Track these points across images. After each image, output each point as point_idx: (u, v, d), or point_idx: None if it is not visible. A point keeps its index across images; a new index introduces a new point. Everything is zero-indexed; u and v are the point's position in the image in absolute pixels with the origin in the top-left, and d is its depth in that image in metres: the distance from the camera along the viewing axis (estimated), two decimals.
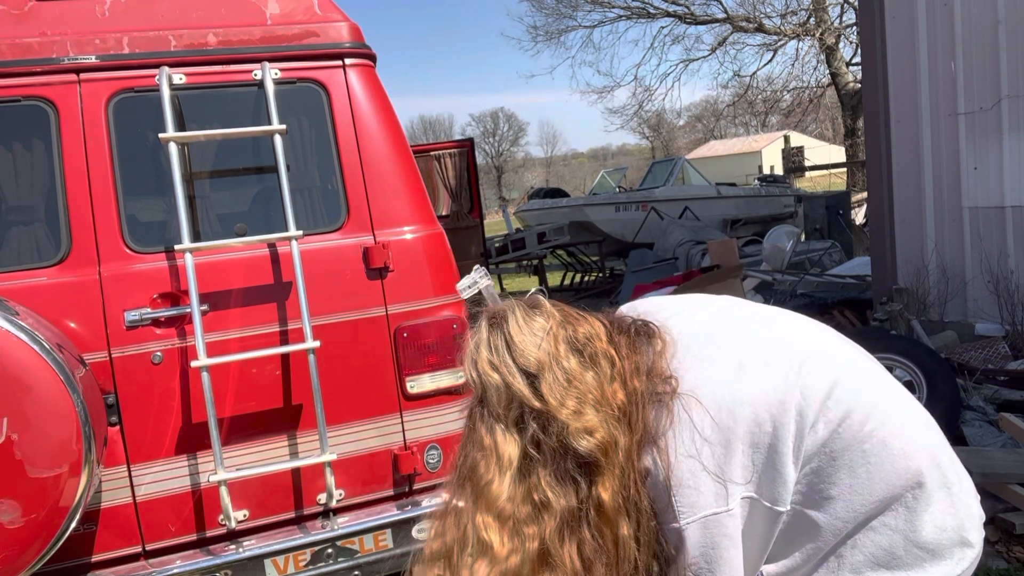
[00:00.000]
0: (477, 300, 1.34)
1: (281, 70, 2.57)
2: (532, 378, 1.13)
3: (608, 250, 13.77)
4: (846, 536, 1.14)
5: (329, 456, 2.43)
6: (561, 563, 1.06)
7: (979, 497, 1.21)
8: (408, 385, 2.59)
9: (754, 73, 26.17)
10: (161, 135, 2.37)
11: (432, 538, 1.17)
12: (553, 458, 1.10)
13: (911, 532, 1.13)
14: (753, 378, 1.15)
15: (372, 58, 2.72)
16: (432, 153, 9.07)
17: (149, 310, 2.37)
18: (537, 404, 1.11)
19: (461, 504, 1.14)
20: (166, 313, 2.39)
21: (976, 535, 1.17)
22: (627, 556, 1.08)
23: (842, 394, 1.14)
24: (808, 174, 25.89)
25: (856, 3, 14.83)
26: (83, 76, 2.42)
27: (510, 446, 1.11)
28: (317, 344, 2.39)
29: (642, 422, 1.13)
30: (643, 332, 1.22)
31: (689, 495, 1.10)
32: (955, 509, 1.15)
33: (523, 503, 1.09)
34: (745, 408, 1.12)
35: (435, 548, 1.15)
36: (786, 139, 29.85)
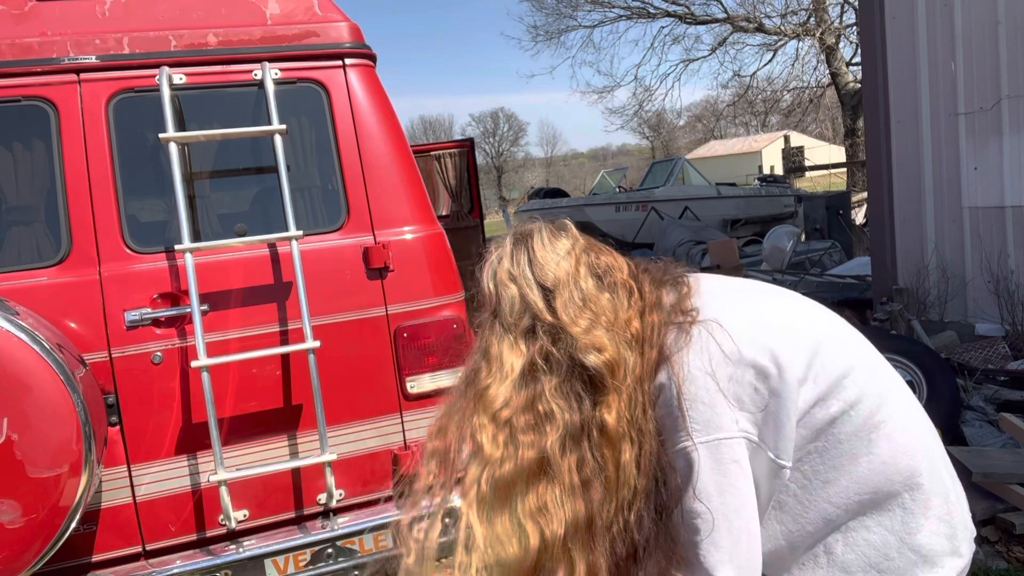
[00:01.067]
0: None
1: (281, 70, 2.57)
2: (548, 293, 1.16)
3: None
4: (833, 526, 1.14)
5: (329, 456, 2.43)
6: (559, 475, 1.07)
7: (971, 513, 1.23)
8: (408, 385, 2.59)
9: (754, 73, 26.19)
10: (161, 135, 2.37)
11: (432, 436, 1.20)
12: (560, 373, 1.11)
13: (906, 534, 1.13)
14: (774, 329, 1.16)
15: (372, 58, 2.72)
16: (432, 153, 9.07)
17: (149, 310, 2.37)
18: (549, 318, 1.14)
19: (462, 406, 1.16)
20: (166, 313, 2.39)
21: (967, 547, 1.17)
22: (626, 481, 1.07)
23: (858, 377, 1.15)
24: (808, 174, 25.89)
25: (856, 3, 14.83)
26: (83, 76, 2.42)
27: (515, 356, 1.13)
28: (317, 344, 2.39)
29: (656, 347, 1.14)
30: (670, 277, 1.24)
31: (703, 412, 1.09)
32: (950, 517, 1.16)
33: (524, 412, 1.10)
34: (762, 350, 1.12)
35: (434, 446, 1.19)
36: (786, 139, 29.86)
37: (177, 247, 2.34)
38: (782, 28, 23.57)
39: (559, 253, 1.18)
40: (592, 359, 1.10)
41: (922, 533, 1.14)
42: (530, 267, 1.18)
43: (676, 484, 1.08)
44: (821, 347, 1.15)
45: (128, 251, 2.40)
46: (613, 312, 1.15)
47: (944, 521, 1.15)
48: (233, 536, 2.45)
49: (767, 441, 1.11)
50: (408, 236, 2.61)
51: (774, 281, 7.55)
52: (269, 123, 2.49)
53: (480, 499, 1.09)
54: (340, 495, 2.52)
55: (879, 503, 1.14)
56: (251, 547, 2.43)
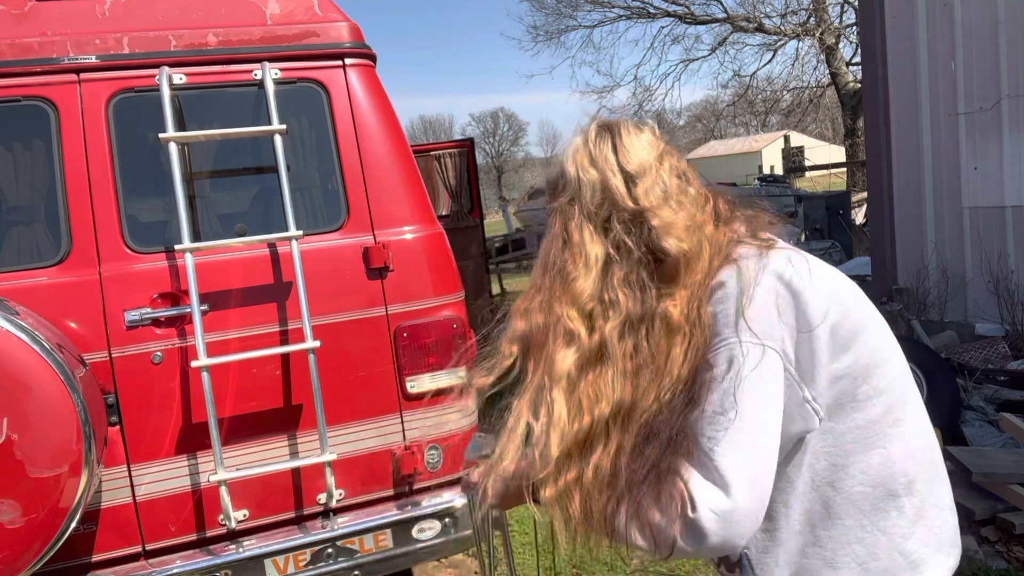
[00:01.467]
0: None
1: (281, 70, 2.57)
2: (631, 180, 1.17)
3: None
4: (830, 514, 1.14)
5: (329, 456, 2.43)
6: (614, 360, 1.10)
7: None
8: (408, 385, 2.59)
9: (754, 73, 26.18)
10: (161, 135, 2.36)
11: (518, 315, 1.21)
12: (631, 263, 1.14)
13: (899, 537, 1.14)
14: (841, 286, 1.17)
15: (372, 58, 2.72)
16: (432, 153, 9.06)
17: (149, 310, 2.37)
18: (631, 205, 1.16)
19: (548, 294, 1.17)
20: (166, 313, 2.38)
21: (953, 561, 1.19)
22: (670, 371, 1.08)
23: (889, 370, 1.16)
24: (808, 174, 25.89)
25: (856, 3, 14.82)
26: (83, 76, 2.42)
27: (596, 246, 1.15)
28: (317, 344, 2.39)
29: (725, 253, 1.15)
30: (745, 211, 1.24)
31: (761, 317, 1.08)
32: (941, 531, 1.18)
33: (596, 301, 1.13)
34: (828, 297, 1.12)
35: (519, 328, 1.20)
36: (786, 139, 29.85)
37: (177, 247, 2.34)
38: (782, 28, 23.57)
39: (643, 143, 1.20)
40: (673, 247, 1.12)
41: (913, 540, 1.15)
42: (614, 153, 1.19)
43: (709, 378, 1.07)
44: (869, 325, 1.16)
45: (128, 251, 2.40)
46: (692, 209, 1.17)
47: (935, 534, 1.17)
48: (233, 536, 2.45)
49: (805, 379, 1.10)
50: (408, 236, 2.61)
51: None
52: (269, 123, 2.49)
53: (569, 381, 1.11)
54: (340, 495, 2.52)
55: (879, 500, 1.14)
56: (251, 547, 2.43)
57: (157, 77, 2.43)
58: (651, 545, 1.06)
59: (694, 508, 1.02)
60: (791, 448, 1.13)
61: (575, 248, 1.17)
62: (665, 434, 1.06)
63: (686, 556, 1.08)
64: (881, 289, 6.21)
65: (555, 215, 1.22)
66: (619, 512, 1.08)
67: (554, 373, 1.11)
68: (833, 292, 1.14)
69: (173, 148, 2.37)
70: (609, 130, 1.22)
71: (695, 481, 1.03)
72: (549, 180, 1.27)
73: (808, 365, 1.10)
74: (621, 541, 1.10)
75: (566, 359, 1.11)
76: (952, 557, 1.19)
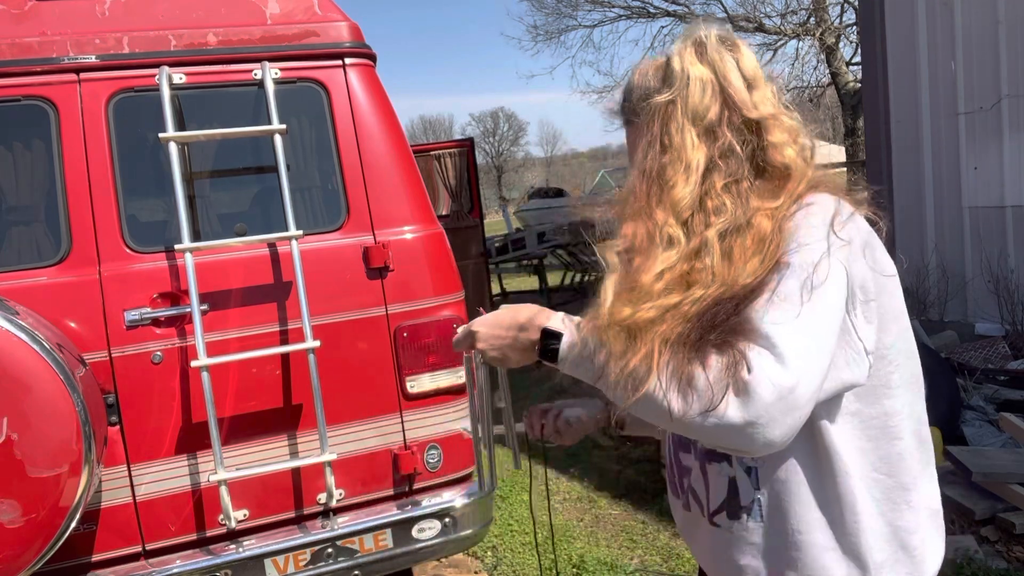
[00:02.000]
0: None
1: (281, 70, 2.57)
2: (750, 85, 1.14)
3: None
4: (842, 503, 1.12)
5: (329, 456, 2.43)
6: (708, 262, 1.06)
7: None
8: (408, 385, 2.59)
9: None
10: (161, 135, 2.36)
11: (620, 201, 1.15)
12: (735, 171, 1.11)
13: (904, 532, 1.15)
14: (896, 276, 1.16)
15: (372, 58, 2.72)
16: (432, 153, 9.06)
17: (149, 310, 2.37)
18: (752, 110, 1.12)
19: (644, 203, 1.12)
20: (166, 313, 2.39)
21: (941, 561, 1.20)
22: (752, 272, 1.04)
23: (917, 366, 1.18)
24: None
25: (856, 3, 14.82)
26: (83, 76, 2.42)
27: (699, 152, 1.11)
28: (317, 344, 2.39)
29: (814, 181, 1.13)
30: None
31: (850, 234, 1.07)
32: (939, 528, 1.19)
33: (697, 209, 1.10)
34: (889, 262, 1.14)
35: (624, 238, 1.12)
36: None
37: (177, 247, 2.34)
38: (782, 28, 23.57)
39: (754, 57, 1.17)
40: (786, 159, 1.11)
41: (917, 535, 1.15)
42: (731, 54, 1.15)
43: (783, 272, 1.03)
44: (906, 315, 1.17)
45: (128, 251, 2.40)
46: (800, 129, 1.15)
47: (937, 531, 1.19)
48: (233, 536, 2.46)
49: (861, 332, 1.08)
50: (408, 236, 2.61)
51: None
52: (269, 123, 2.49)
53: (666, 285, 1.05)
54: (340, 495, 2.52)
55: (891, 491, 1.14)
56: (251, 547, 2.43)
57: (157, 77, 2.43)
58: (694, 398, 0.96)
59: (749, 369, 0.95)
60: (818, 418, 1.09)
61: (675, 152, 1.11)
62: (724, 317, 1.02)
63: (716, 432, 0.97)
64: None
65: (652, 116, 1.15)
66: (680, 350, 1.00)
67: (648, 268, 1.07)
68: (894, 271, 1.14)
69: (173, 148, 2.37)
70: (723, 37, 1.17)
71: (755, 350, 0.97)
72: (635, 85, 1.20)
73: (869, 318, 1.09)
74: (663, 391, 0.98)
75: (668, 259, 1.06)
76: (941, 557, 1.20)
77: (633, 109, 1.21)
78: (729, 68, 1.14)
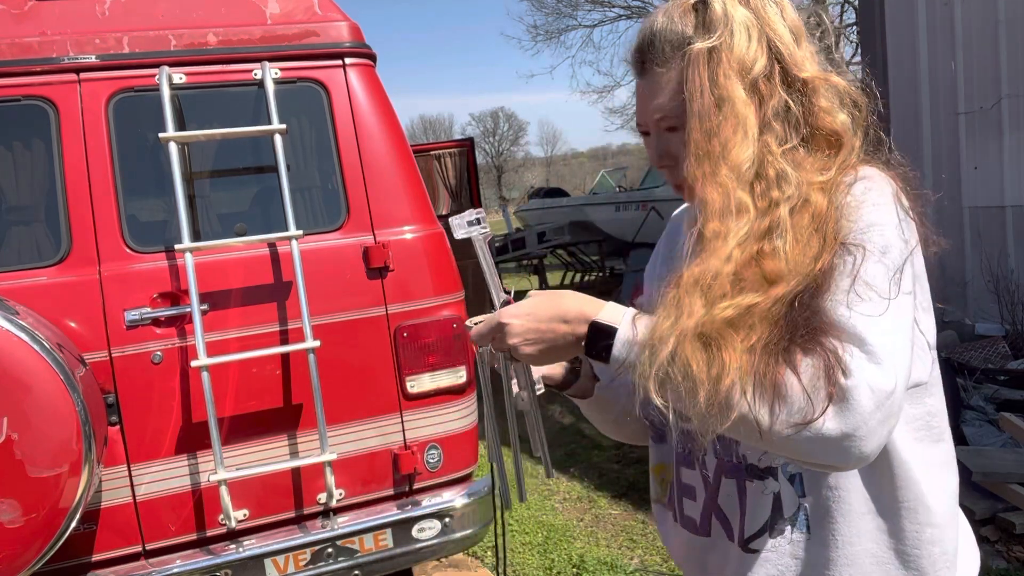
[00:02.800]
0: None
1: (281, 70, 2.57)
2: (797, 39, 1.01)
3: (608, 250, 13.76)
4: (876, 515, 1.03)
5: (329, 456, 2.43)
6: (780, 245, 0.92)
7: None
8: (408, 385, 2.59)
9: None
10: (161, 135, 2.37)
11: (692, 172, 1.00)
12: (785, 136, 0.98)
13: (927, 543, 1.04)
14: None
15: (372, 58, 2.72)
16: (432, 153, 9.06)
17: (149, 310, 2.37)
18: (801, 72, 0.99)
19: (712, 167, 0.97)
20: (166, 313, 2.39)
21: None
22: (815, 256, 0.92)
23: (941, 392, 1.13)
24: None
25: (856, 3, 14.82)
26: (83, 76, 2.42)
27: (749, 110, 0.97)
28: (317, 344, 2.39)
29: (859, 153, 1.02)
30: None
31: (909, 222, 0.98)
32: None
33: (758, 176, 0.96)
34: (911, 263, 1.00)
35: (710, 199, 0.97)
36: None
37: (177, 247, 2.34)
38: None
39: (795, 11, 1.03)
40: (839, 124, 0.99)
41: (963, 546, 1.07)
42: (774, 3, 1.01)
43: (859, 256, 0.92)
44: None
45: (128, 251, 2.40)
46: (848, 93, 1.02)
47: (974, 549, 1.11)
48: (233, 536, 2.46)
49: (920, 314, 1.00)
50: (408, 236, 2.61)
51: None
52: (269, 123, 2.49)
53: (735, 268, 0.91)
54: (340, 495, 2.52)
55: (909, 508, 1.03)
56: (251, 547, 2.43)
57: (157, 77, 2.43)
58: (786, 411, 0.84)
59: (847, 374, 0.84)
60: None
61: (727, 108, 0.96)
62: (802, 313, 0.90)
63: (807, 448, 0.86)
64: None
65: (691, 66, 0.99)
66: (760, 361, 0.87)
67: (720, 251, 0.93)
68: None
69: (173, 148, 2.37)
70: None
71: (849, 350, 0.86)
72: (661, 29, 1.03)
73: (927, 308, 1.01)
74: (752, 406, 0.85)
75: (739, 232, 0.93)
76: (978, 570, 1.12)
77: (659, 57, 1.04)
78: (774, 17, 1.01)
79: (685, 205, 1.29)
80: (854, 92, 1.02)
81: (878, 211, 0.96)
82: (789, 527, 1.03)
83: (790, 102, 0.99)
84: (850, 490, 1.01)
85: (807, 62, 1.01)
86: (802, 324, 0.88)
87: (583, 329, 0.96)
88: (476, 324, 1.04)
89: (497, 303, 1.07)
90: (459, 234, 1.13)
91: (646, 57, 1.05)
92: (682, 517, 1.16)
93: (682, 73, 1.01)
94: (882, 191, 0.97)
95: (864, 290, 0.90)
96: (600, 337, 0.95)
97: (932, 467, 1.04)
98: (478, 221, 1.14)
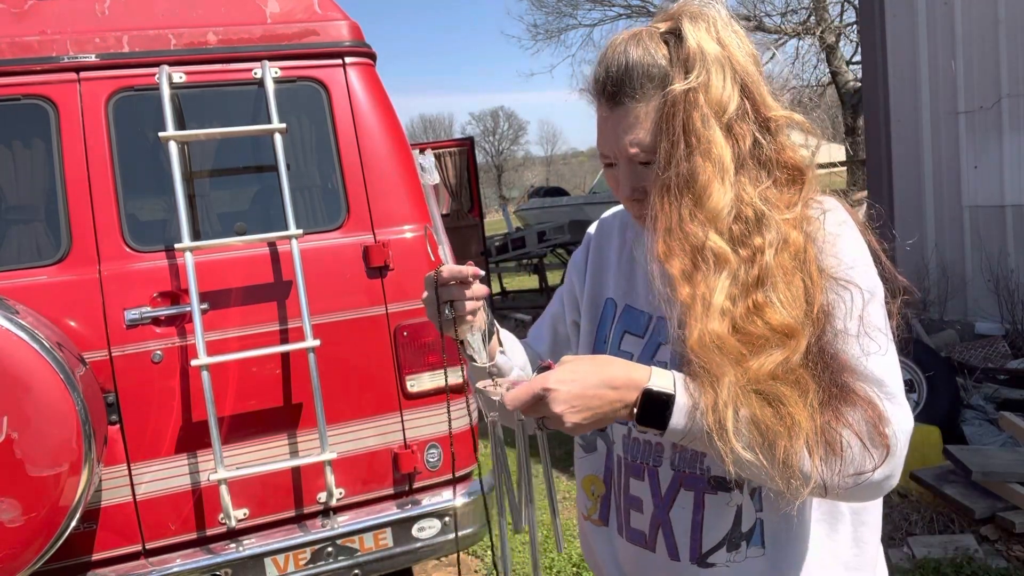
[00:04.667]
0: None
1: (281, 69, 2.57)
2: (765, 78, 1.00)
3: None
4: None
5: (329, 455, 2.43)
6: (775, 298, 0.92)
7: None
8: (408, 384, 2.59)
9: None
10: (161, 134, 2.36)
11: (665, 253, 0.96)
12: (762, 173, 0.97)
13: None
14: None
15: (372, 57, 2.72)
16: (432, 152, 9.07)
17: (149, 309, 2.37)
18: (768, 111, 0.98)
19: (679, 213, 0.96)
20: (166, 312, 2.38)
21: None
22: (804, 298, 0.94)
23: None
24: None
25: (856, 2, 14.82)
26: (83, 75, 2.42)
27: (727, 150, 0.95)
28: (317, 343, 2.39)
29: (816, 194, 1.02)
30: None
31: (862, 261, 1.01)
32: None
33: (736, 219, 0.95)
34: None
35: (674, 273, 0.95)
36: None
37: (177, 246, 2.34)
38: (782, 27, 23.55)
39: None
40: (804, 161, 1.00)
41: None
42: (739, 37, 1.00)
43: (856, 298, 0.95)
44: None
45: (128, 250, 2.40)
46: (807, 128, 1.03)
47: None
48: (233, 535, 2.46)
49: None
50: (408, 235, 2.61)
51: None
52: (269, 122, 2.49)
53: (723, 311, 0.91)
54: (340, 494, 2.52)
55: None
56: (251, 546, 2.43)
57: (157, 76, 2.43)
58: (845, 465, 0.88)
59: (885, 423, 0.89)
60: None
61: (704, 150, 0.94)
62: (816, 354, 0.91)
63: (852, 492, 0.92)
64: None
65: (670, 106, 0.97)
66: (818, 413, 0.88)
67: (711, 308, 0.92)
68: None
69: (173, 147, 2.37)
70: (731, 15, 1.02)
71: (878, 397, 0.91)
72: (637, 62, 0.99)
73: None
74: (818, 465, 0.87)
75: (722, 289, 0.92)
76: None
77: (637, 91, 1.00)
78: (737, 52, 0.99)
79: (616, 209, 1.28)
80: (808, 126, 1.03)
81: (856, 246, 1.00)
82: (746, 543, 1.03)
83: (761, 141, 0.98)
84: (804, 505, 1.02)
85: (769, 98, 1.00)
86: (825, 372, 0.90)
87: (632, 396, 0.92)
88: (508, 390, 0.95)
89: (446, 258, 1.08)
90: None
91: (621, 90, 1.01)
92: (629, 531, 1.13)
93: (661, 111, 0.99)
94: (852, 225, 1.01)
95: (873, 332, 0.94)
96: (655, 406, 0.91)
97: None
98: (421, 168, 1.13)
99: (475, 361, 1.11)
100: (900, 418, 0.91)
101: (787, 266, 0.93)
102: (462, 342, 1.12)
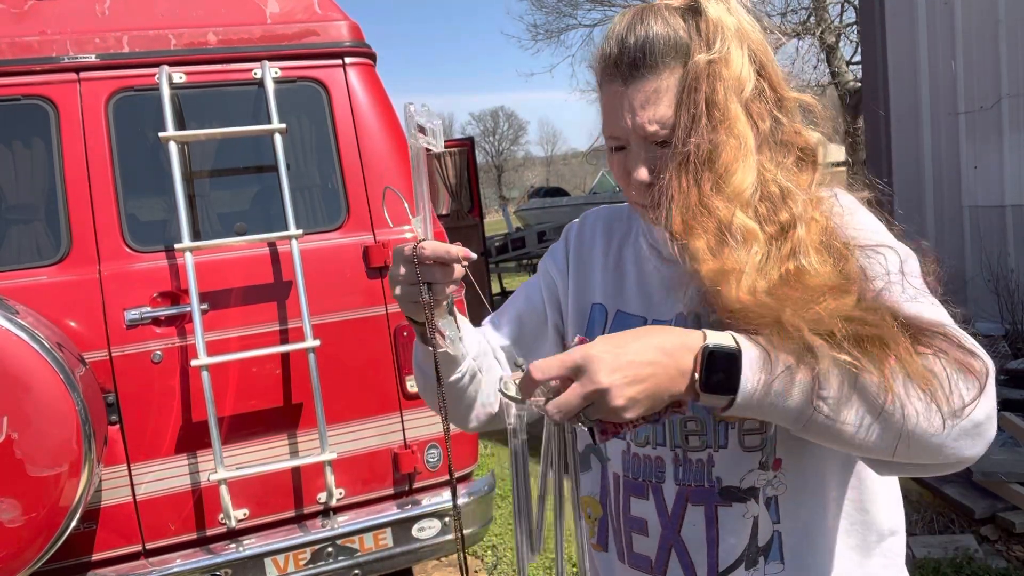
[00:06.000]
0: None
1: (281, 69, 2.57)
2: (775, 62, 0.98)
3: None
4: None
5: (329, 455, 2.43)
6: (805, 261, 0.86)
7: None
8: (408, 384, 2.59)
9: None
10: (161, 134, 2.36)
11: (693, 235, 0.88)
12: (778, 155, 0.94)
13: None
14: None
15: (372, 57, 2.72)
16: (432, 152, 9.06)
17: (149, 309, 2.37)
18: (784, 92, 0.97)
19: (699, 188, 0.90)
20: (166, 312, 2.38)
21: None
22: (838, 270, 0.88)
23: None
24: None
25: (856, 2, 14.83)
26: (83, 75, 2.42)
27: (748, 127, 0.91)
28: (317, 343, 2.39)
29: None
30: None
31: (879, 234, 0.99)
32: None
33: (761, 197, 0.91)
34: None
35: (698, 247, 0.87)
36: None
37: (177, 246, 2.34)
38: (782, 27, 23.55)
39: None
40: (813, 144, 0.97)
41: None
42: (747, 11, 0.97)
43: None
44: None
45: (128, 250, 2.40)
46: (818, 113, 1.01)
47: None
48: (233, 535, 2.45)
49: None
50: (408, 235, 2.61)
51: None
52: (269, 122, 2.49)
53: (760, 271, 0.84)
54: (340, 494, 2.52)
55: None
56: (251, 546, 2.43)
57: (157, 76, 2.43)
58: (940, 405, 0.76)
59: (974, 354, 0.80)
60: None
61: (727, 127, 0.90)
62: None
63: (949, 443, 0.78)
64: None
65: (693, 80, 0.92)
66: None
67: (748, 269, 0.84)
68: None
69: (173, 147, 2.37)
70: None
71: (954, 335, 0.81)
72: (659, 35, 0.93)
73: None
74: (916, 413, 0.76)
75: (754, 262, 0.85)
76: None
77: (659, 63, 0.93)
78: (758, 33, 0.97)
79: (596, 210, 1.23)
80: (819, 108, 1.00)
81: (874, 219, 0.97)
82: (763, 558, 0.95)
83: (781, 119, 0.95)
84: (831, 510, 0.96)
85: (783, 79, 0.98)
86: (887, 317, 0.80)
87: (688, 360, 0.77)
88: (551, 386, 0.78)
89: (426, 233, 0.99)
90: (409, 131, 0.98)
91: (642, 62, 0.93)
92: (631, 556, 1.03)
93: (683, 83, 0.92)
94: (854, 199, 0.99)
95: (918, 284, 0.90)
96: (721, 363, 0.76)
97: (886, 482, 1.01)
98: (431, 132, 0.98)
99: (449, 351, 1.01)
100: (984, 354, 0.80)
101: (816, 240, 0.88)
102: (438, 331, 1.00)
